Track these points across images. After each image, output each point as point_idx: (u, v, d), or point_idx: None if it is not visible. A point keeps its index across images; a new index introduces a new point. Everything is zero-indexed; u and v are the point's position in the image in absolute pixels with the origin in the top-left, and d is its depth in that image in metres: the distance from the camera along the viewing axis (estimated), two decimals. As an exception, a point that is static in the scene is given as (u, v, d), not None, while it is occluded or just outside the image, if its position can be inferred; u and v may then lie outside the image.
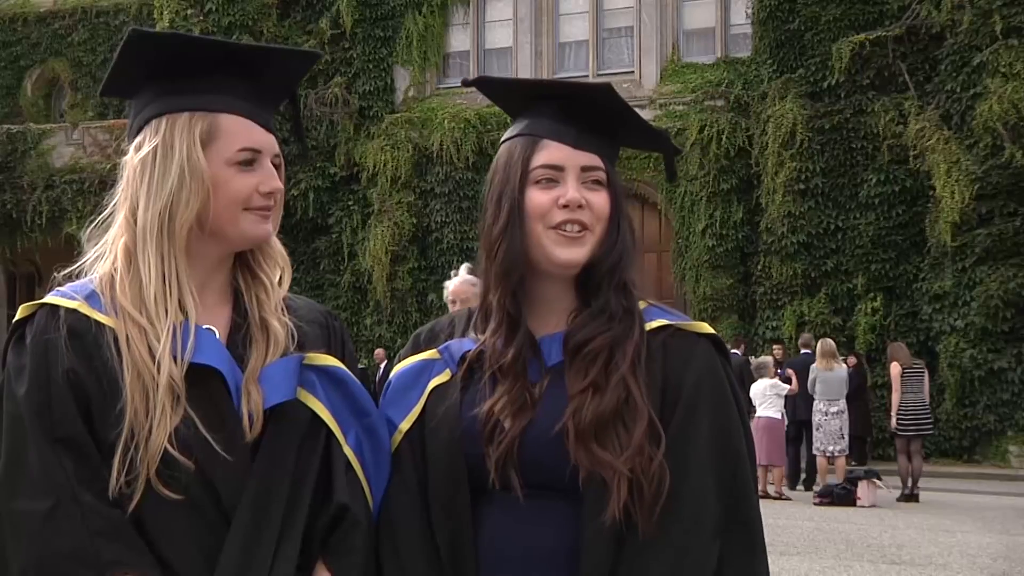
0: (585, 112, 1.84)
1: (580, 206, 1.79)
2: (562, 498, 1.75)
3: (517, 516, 1.76)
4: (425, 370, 1.88)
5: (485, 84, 1.94)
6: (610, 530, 1.69)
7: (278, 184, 1.79)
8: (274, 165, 1.82)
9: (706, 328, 1.85)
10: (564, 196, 1.79)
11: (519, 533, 1.76)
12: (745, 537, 1.76)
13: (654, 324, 1.83)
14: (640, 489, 1.69)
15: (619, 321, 1.79)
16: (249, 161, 1.77)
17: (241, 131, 1.77)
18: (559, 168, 1.81)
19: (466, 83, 1.95)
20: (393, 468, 1.84)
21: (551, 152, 1.82)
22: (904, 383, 13.74)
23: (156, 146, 1.76)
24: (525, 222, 1.81)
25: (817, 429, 13.92)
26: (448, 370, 1.86)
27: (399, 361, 1.95)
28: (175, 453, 1.65)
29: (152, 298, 1.72)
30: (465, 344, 1.88)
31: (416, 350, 1.94)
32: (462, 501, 1.77)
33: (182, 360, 1.69)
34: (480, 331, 1.87)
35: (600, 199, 1.82)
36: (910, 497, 13.31)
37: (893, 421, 13.88)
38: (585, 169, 1.82)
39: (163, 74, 1.80)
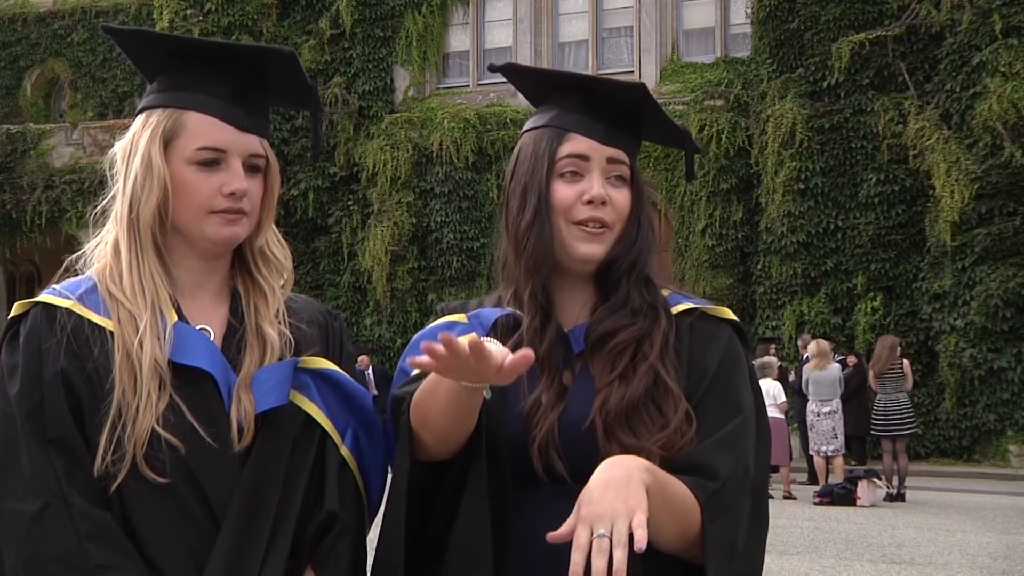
0: (614, 108, 1.84)
1: (604, 203, 1.79)
2: None
3: (557, 510, 1.70)
4: (449, 329, 1.85)
5: (512, 71, 1.92)
6: None
7: (242, 185, 1.73)
8: (255, 167, 1.78)
9: (729, 314, 1.87)
10: (588, 192, 1.79)
11: (554, 524, 1.75)
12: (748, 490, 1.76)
13: (680, 308, 1.84)
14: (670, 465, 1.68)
15: (644, 315, 1.80)
16: (210, 161, 1.74)
17: (205, 130, 1.74)
18: (585, 158, 1.81)
19: (492, 68, 1.92)
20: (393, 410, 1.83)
21: (577, 143, 1.82)
22: (880, 384, 13.75)
23: (129, 140, 1.77)
24: (552, 216, 1.81)
25: (811, 429, 13.93)
26: (474, 334, 1.85)
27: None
28: (163, 433, 1.64)
29: (129, 289, 1.72)
30: (496, 311, 1.87)
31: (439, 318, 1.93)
32: (503, 468, 1.76)
33: (163, 349, 1.68)
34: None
35: (622, 196, 1.82)
36: (896, 497, 13.31)
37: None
38: (611, 161, 1.82)
39: (159, 69, 1.81)
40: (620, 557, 1.44)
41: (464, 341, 1.55)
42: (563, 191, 1.81)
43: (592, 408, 1.74)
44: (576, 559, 1.46)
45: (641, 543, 1.45)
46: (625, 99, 1.85)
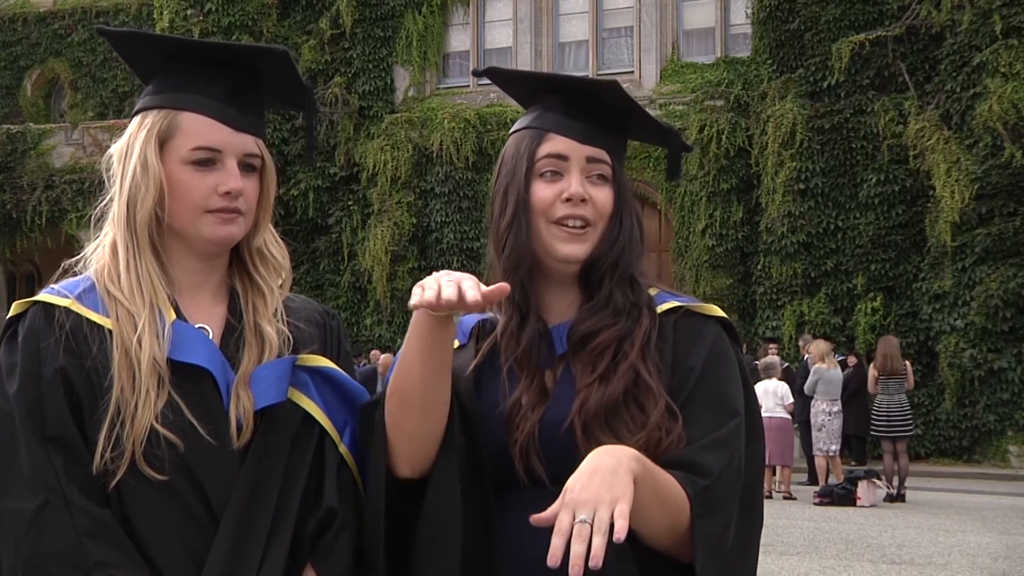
0: (592, 107, 1.84)
1: (583, 200, 1.79)
2: None
3: (536, 509, 1.72)
4: None
5: (495, 75, 1.94)
6: None
7: (237, 185, 1.74)
8: (251, 166, 1.79)
9: (717, 311, 1.85)
10: (567, 190, 1.79)
11: (544, 533, 1.75)
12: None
13: (665, 306, 1.83)
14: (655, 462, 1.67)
15: (626, 315, 1.79)
16: (205, 161, 1.74)
17: (200, 130, 1.74)
18: (564, 157, 1.81)
19: (476, 73, 1.95)
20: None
21: (556, 143, 1.82)
22: (883, 384, 13.76)
23: (125, 141, 1.78)
24: (530, 216, 1.81)
25: (819, 430, 13.91)
26: (456, 341, 1.85)
27: None
28: (161, 430, 1.64)
29: (127, 288, 1.73)
30: (473, 317, 1.87)
31: None
32: (482, 473, 1.76)
33: (161, 347, 1.69)
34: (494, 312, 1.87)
35: (603, 195, 1.82)
36: (896, 497, 13.32)
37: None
38: (590, 160, 1.82)
39: (155, 71, 1.81)
40: (599, 543, 1.44)
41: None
42: (542, 191, 1.81)
43: (571, 409, 1.74)
44: (556, 543, 1.46)
45: (620, 534, 1.45)
46: (603, 98, 1.85)
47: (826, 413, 13.81)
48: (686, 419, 1.73)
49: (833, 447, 13.79)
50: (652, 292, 1.86)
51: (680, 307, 1.84)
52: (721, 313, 1.86)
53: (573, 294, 1.86)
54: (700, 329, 1.82)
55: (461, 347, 1.87)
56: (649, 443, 1.69)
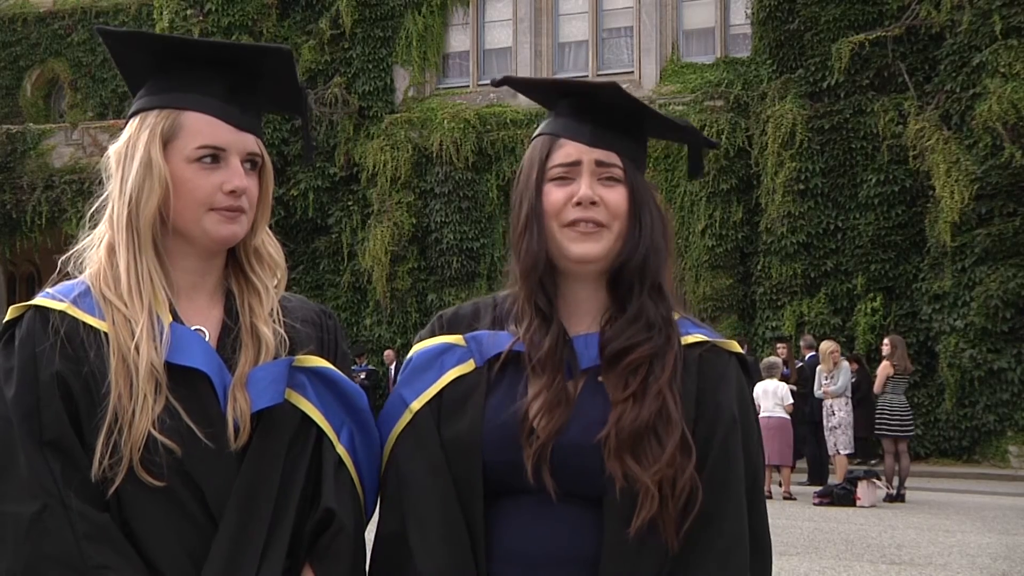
0: (599, 110, 1.85)
1: (593, 203, 1.79)
2: (592, 505, 1.73)
3: (545, 520, 1.75)
4: (446, 354, 1.86)
5: (512, 83, 1.98)
6: (634, 542, 1.69)
7: (241, 183, 1.74)
8: (252, 164, 1.79)
9: (736, 347, 1.88)
10: (577, 194, 1.79)
11: (546, 537, 1.75)
12: (758, 550, 1.80)
13: (690, 339, 1.83)
14: (668, 501, 1.69)
15: (659, 331, 1.79)
16: (210, 158, 1.75)
17: (203, 129, 1.75)
18: (574, 164, 1.82)
19: (495, 83, 1.98)
20: (398, 443, 1.84)
21: (567, 150, 1.83)
22: (893, 383, 13.74)
23: (125, 142, 1.78)
24: (543, 220, 1.81)
25: (850, 428, 13.93)
26: (472, 361, 1.84)
27: (418, 342, 1.92)
28: (159, 436, 1.64)
29: (127, 291, 1.72)
30: (501, 339, 1.84)
31: (436, 332, 1.92)
32: (475, 504, 1.76)
33: (159, 353, 1.69)
34: (516, 324, 1.85)
35: (615, 196, 1.81)
36: (896, 498, 13.31)
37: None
38: (600, 164, 1.82)
39: (150, 72, 1.81)
40: None
41: None
42: (554, 194, 1.82)
43: (600, 424, 1.73)
44: None
45: None
46: (607, 100, 1.86)
47: (851, 413, 13.90)
48: (726, 464, 1.75)
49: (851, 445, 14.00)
50: (675, 316, 1.85)
51: (706, 342, 1.84)
52: (739, 349, 1.89)
53: (597, 304, 1.85)
54: (724, 368, 1.83)
55: (476, 369, 1.83)
56: (664, 479, 1.69)
